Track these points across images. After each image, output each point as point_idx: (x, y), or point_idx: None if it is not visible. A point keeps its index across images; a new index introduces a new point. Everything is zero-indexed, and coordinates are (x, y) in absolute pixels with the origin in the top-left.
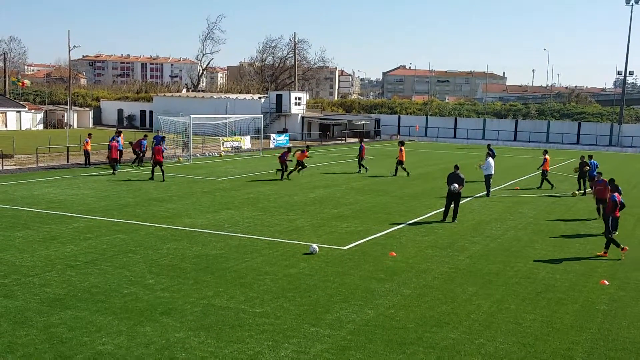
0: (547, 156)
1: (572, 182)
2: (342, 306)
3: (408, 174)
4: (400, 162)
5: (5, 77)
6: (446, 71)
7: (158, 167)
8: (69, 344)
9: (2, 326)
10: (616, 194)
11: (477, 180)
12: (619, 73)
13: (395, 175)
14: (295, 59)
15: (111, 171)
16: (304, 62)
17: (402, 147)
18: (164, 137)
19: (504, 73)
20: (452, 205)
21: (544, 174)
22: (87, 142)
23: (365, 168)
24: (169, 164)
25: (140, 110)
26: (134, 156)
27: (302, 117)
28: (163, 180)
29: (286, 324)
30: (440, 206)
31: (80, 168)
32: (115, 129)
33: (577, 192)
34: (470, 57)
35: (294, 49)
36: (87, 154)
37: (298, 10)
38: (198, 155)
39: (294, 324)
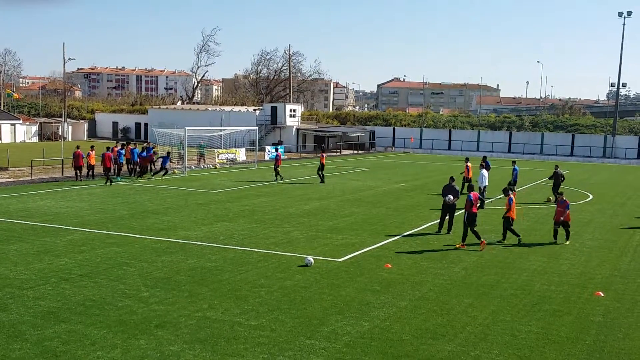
0: (469, 164)
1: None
2: (337, 318)
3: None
4: (467, 180)
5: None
6: (440, 83)
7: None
8: (63, 357)
9: None
10: (472, 193)
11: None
12: (612, 85)
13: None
14: (290, 71)
15: (105, 181)
16: (299, 74)
17: (469, 164)
18: (154, 147)
19: (497, 85)
20: (447, 217)
21: (465, 180)
22: (90, 155)
23: (321, 177)
24: (164, 176)
25: (135, 123)
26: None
27: (297, 129)
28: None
29: (282, 336)
30: (435, 218)
31: (84, 180)
32: (116, 141)
33: (551, 199)
34: (464, 70)
35: (289, 61)
36: (90, 167)
37: (293, 23)
38: (193, 167)
39: (290, 336)
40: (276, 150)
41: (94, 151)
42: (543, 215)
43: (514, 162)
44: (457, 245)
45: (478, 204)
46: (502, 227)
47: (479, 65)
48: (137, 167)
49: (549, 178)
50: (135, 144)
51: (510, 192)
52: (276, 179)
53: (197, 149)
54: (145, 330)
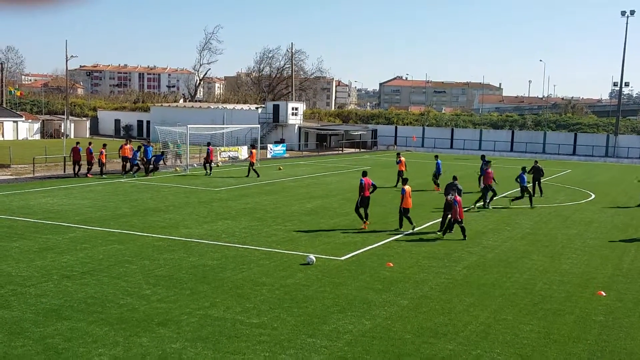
0: (402, 158)
1: (546, 191)
2: (339, 317)
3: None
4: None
5: (2, 87)
6: (443, 82)
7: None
8: (65, 354)
9: None
10: (365, 179)
11: (473, 191)
12: (615, 84)
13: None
14: (292, 70)
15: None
16: (301, 72)
17: (402, 158)
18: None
19: (500, 84)
20: (450, 216)
21: (400, 174)
22: (102, 154)
23: (257, 173)
24: (166, 174)
25: (138, 120)
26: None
27: (299, 128)
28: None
29: (283, 334)
30: (437, 217)
31: (96, 177)
32: (126, 139)
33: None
34: (466, 68)
35: (291, 60)
36: (101, 164)
37: (295, 21)
38: (195, 165)
39: (291, 334)
40: (252, 147)
41: (105, 149)
42: (546, 215)
43: (436, 156)
44: (362, 227)
45: (371, 189)
46: (399, 216)
47: (482, 64)
48: (152, 165)
49: (529, 172)
50: (149, 142)
51: (404, 183)
52: (248, 175)
53: (173, 148)
54: (147, 328)
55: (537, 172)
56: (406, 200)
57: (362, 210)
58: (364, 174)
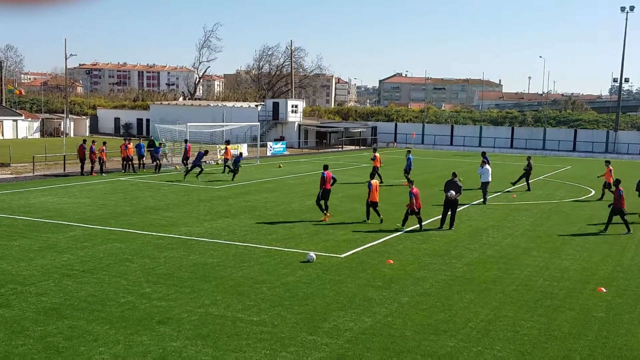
0: (377, 154)
1: (550, 186)
2: (339, 314)
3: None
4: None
5: (1, 85)
6: (442, 79)
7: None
8: (65, 353)
9: None
10: (326, 172)
11: (473, 187)
12: (615, 80)
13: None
14: (292, 67)
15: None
16: (301, 69)
17: (377, 154)
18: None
19: (500, 80)
20: (449, 213)
21: (375, 169)
22: (102, 152)
23: (230, 169)
24: (166, 171)
25: (137, 119)
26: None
27: (299, 125)
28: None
29: (284, 332)
30: (437, 214)
31: (96, 175)
32: (126, 137)
33: (515, 195)
34: (466, 65)
35: (291, 57)
36: (102, 162)
37: (294, 18)
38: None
39: (292, 332)
40: (227, 143)
41: (105, 146)
42: (546, 211)
43: (408, 151)
44: (323, 219)
45: (332, 182)
46: (366, 209)
47: (481, 61)
48: (159, 161)
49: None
50: (185, 140)
51: (375, 178)
52: (224, 171)
53: (163, 146)
54: (147, 326)
55: (528, 168)
56: (373, 194)
57: (322, 203)
58: (325, 167)
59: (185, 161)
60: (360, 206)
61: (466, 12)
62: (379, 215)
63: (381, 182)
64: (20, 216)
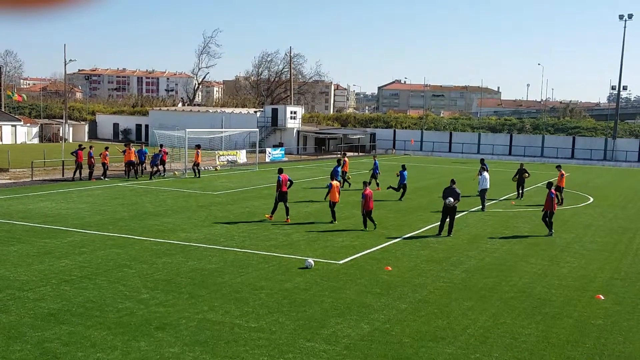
0: (345, 159)
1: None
2: (337, 321)
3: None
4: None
5: (0, 91)
6: (441, 86)
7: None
8: (63, 359)
9: None
10: (282, 175)
11: (472, 194)
12: (613, 88)
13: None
14: (290, 73)
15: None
16: (300, 76)
17: (346, 159)
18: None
19: (498, 88)
20: (448, 220)
21: (343, 174)
22: (105, 156)
23: (197, 174)
24: (164, 178)
25: (136, 124)
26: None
27: (298, 131)
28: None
29: (282, 339)
30: (435, 220)
31: (98, 180)
32: (126, 142)
33: (513, 202)
34: (465, 72)
35: (290, 63)
36: (105, 167)
37: (294, 25)
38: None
39: (290, 339)
40: (198, 147)
41: (108, 151)
42: None
43: (374, 156)
44: (266, 216)
45: (288, 184)
46: (330, 210)
47: (480, 68)
48: (156, 167)
49: (514, 176)
50: (161, 145)
51: (336, 179)
52: (196, 175)
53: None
54: (145, 332)
55: (521, 175)
56: (333, 194)
57: (281, 205)
58: (280, 170)
59: (153, 165)
60: (358, 212)
61: (465, 20)
62: (373, 222)
63: (349, 186)
64: (19, 221)
